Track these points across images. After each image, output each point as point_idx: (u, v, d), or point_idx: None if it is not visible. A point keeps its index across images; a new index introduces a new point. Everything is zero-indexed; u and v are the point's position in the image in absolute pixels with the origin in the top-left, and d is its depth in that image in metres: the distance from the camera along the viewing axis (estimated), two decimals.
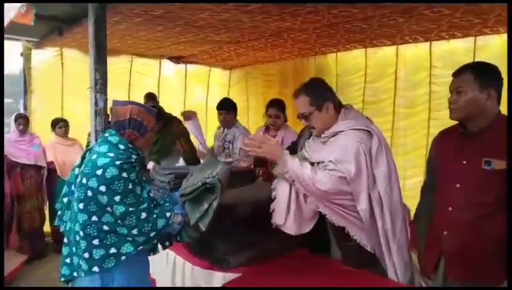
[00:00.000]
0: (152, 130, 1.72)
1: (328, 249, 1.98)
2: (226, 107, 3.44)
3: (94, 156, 1.54)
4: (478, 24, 3.18)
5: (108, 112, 2.44)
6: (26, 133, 4.09)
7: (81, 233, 1.51)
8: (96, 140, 2.45)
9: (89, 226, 1.49)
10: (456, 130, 1.68)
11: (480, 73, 1.58)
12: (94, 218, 1.48)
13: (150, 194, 1.66)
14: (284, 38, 3.92)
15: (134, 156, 1.60)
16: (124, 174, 1.50)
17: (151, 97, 4.74)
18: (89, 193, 1.48)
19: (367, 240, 1.75)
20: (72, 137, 4.43)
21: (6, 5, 3.05)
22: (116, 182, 1.48)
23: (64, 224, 1.67)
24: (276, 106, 3.12)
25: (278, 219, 1.78)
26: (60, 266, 1.63)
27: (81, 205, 1.50)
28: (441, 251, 1.65)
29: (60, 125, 4.31)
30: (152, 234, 1.56)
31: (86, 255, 1.50)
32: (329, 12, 2.91)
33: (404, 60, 4.32)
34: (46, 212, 4.24)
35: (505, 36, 3.37)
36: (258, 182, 2.52)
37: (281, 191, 1.79)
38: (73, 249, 1.57)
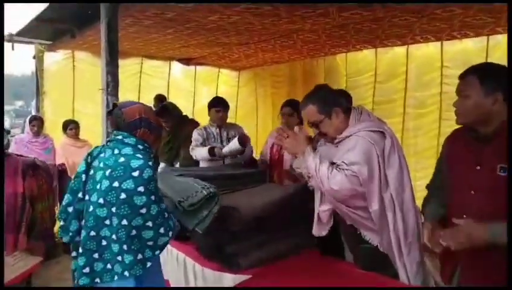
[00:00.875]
0: (159, 127, 1.74)
1: (342, 254, 1.98)
2: (224, 104, 3.39)
3: (122, 159, 1.52)
4: (491, 23, 3.14)
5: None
6: (39, 135, 4.15)
7: (114, 237, 1.49)
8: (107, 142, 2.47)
9: (119, 230, 1.47)
10: (469, 132, 1.62)
11: (486, 76, 1.48)
12: (124, 222, 1.47)
13: None
14: (294, 39, 3.91)
15: (152, 155, 1.63)
16: (155, 175, 1.54)
17: (160, 99, 4.77)
18: (123, 196, 1.47)
19: (379, 240, 1.75)
20: (83, 139, 4.48)
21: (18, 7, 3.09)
22: (152, 182, 1.51)
23: (70, 234, 1.62)
24: (290, 105, 3.10)
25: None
26: (76, 278, 1.55)
27: (113, 209, 1.48)
28: (457, 261, 1.60)
29: (70, 127, 4.37)
30: (171, 234, 1.57)
31: (119, 258, 1.49)
32: (339, 14, 2.90)
33: (415, 60, 4.27)
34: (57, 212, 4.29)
35: None
36: (267, 184, 2.52)
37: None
38: (95, 255, 1.53)
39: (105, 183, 1.50)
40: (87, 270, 1.53)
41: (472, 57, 3.71)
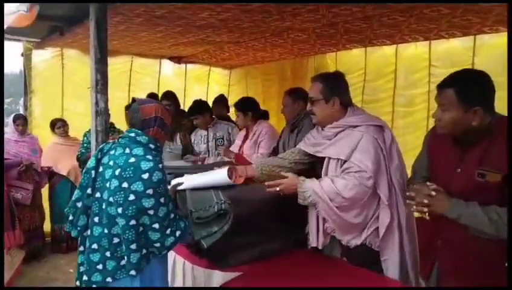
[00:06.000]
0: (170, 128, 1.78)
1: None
2: (197, 111, 3.55)
3: (132, 160, 1.52)
4: (477, 23, 3.18)
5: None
6: (25, 134, 4.11)
7: (122, 236, 1.51)
8: (96, 140, 2.45)
9: (127, 231, 1.49)
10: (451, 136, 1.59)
11: (463, 91, 1.44)
12: (133, 222, 1.49)
13: None
14: (284, 38, 3.92)
15: (161, 155, 1.65)
16: (164, 177, 1.56)
17: (153, 98, 4.75)
18: (131, 197, 1.48)
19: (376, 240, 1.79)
20: (74, 137, 4.44)
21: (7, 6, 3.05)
22: (161, 185, 1.53)
23: (78, 229, 1.64)
24: (235, 106, 3.31)
25: (312, 242, 1.90)
26: (87, 274, 1.57)
27: (119, 210, 1.49)
28: (435, 257, 1.64)
29: (58, 125, 4.32)
30: (178, 234, 1.59)
31: (127, 257, 1.52)
32: (329, 11, 2.91)
33: (403, 59, 4.32)
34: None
35: (504, 35, 3.38)
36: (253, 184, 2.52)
37: (310, 217, 1.90)
38: (107, 254, 1.54)
39: (115, 182, 1.51)
40: (100, 267, 1.55)
41: (459, 56, 3.77)
